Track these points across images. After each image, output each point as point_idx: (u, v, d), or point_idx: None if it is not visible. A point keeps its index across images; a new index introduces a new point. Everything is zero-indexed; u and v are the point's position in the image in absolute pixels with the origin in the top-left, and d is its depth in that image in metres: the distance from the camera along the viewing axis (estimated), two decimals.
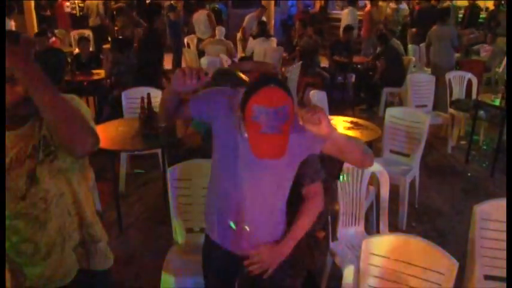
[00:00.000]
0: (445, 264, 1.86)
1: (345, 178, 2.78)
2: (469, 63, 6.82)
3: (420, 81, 5.70)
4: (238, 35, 9.11)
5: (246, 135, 1.66)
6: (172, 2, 9.02)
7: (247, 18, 9.13)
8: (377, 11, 9.15)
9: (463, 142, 5.75)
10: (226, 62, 6.97)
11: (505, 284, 2.34)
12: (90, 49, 6.96)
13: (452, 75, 5.79)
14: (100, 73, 6.13)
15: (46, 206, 1.51)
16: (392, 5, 9.63)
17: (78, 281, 1.66)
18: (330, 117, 3.96)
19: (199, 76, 1.58)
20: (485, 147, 5.72)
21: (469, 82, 5.81)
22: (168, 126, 3.68)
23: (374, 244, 2.00)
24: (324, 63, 8.24)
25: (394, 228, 3.52)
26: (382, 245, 1.99)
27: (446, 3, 9.41)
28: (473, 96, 5.73)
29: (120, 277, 3.13)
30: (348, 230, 2.85)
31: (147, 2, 10.27)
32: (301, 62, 6.81)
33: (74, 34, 9.00)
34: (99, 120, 5.65)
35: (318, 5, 11.02)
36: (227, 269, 1.98)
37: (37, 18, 10.30)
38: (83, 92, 6.13)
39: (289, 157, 1.65)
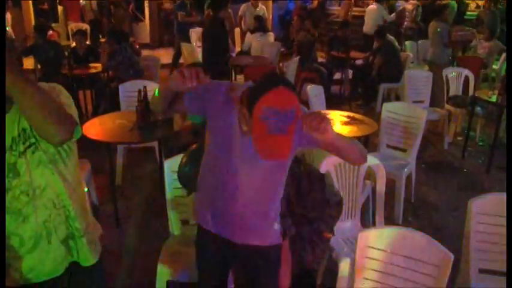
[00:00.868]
0: (440, 257, 1.87)
1: None
2: (466, 60, 6.83)
3: (417, 77, 5.70)
4: (236, 29, 9.08)
5: (244, 128, 1.67)
6: None
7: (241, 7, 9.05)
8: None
9: (459, 138, 5.77)
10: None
11: (499, 278, 2.37)
12: (87, 43, 6.95)
13: (449, 72, 5.80)
14: (97, 66, 6.12)
15: (28, 199, 1.50)
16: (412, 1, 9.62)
17: (71, 274, 1.66)
18: (327, 111, 3.99)
19: (199, 77, 1.56)
20: (481, 144, 5.74)
21: (466, 79, 5.82)
22: (165, 119, 3.68)
23: (370, 237, 2.01)
24: (322, 58, 8.23)
25: (390, 222, 3.53)
26: (378, 238, 2.00)
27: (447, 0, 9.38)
28: (470, 92, 5.74)
29: (117, 269, 3.14)
30: (344, 224, 2.86)
31: None
32: (298, 57, 6.80)
33: (72, 28, 8.96)
34: (96, 113, 5.65)
35: (316, 1, 11.01)
36: (220, 258, 2.00)
37: (34, 11, 10.27)
38: (80, 86, 6.13)
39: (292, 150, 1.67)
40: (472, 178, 4.81)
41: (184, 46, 7.82)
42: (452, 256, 1.85)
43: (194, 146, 2.10)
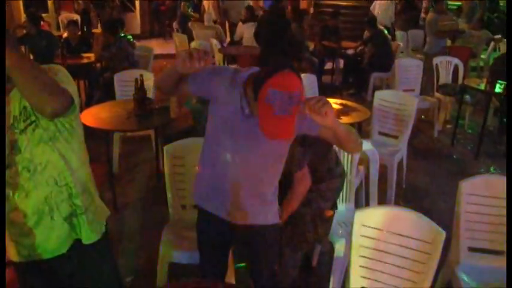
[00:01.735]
0: (433, 234, 1.96)
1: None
2: (455, 49, 6.94)
3: (408, 66, 5.80)
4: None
5: (247, 112, 1.73)
6: None
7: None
8: None
9: (448, 126, 5.89)
10: (216, 45, 6.99)
11: (487, 256, 2.48)
12: (79, 33, 6.93)
13: (439, 60, 5.90)
14: (90, 57, 6.12)
15: (30, 175, 1.56)
16: None
17: (74, 252, 1.71)
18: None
19: (205, 58, 1.61)
20: (470, 131, 5.87)
21: (456, 68, 5.93)
22: (162, 106, 3.74)
23: (365, 216, 2.09)
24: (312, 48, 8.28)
25: None
26: (373, 217, 2.08)
27: None
28: (460, 81, 5.86)
29: (117, 255, 3.19)
30: (339, 207, 2.94)
31: None
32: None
33: (62, 18, 8.91)
34: (90, 103, 5.66)
35: None
36: (220, 238, 2.06)
37: (23, 1, 10.17)
38: (73, 76, 6.10)
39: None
40: (461, 164, 4.93)
41: (176, 36, 7.84)
42: (444, 233, 1.94)
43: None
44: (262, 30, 5.91)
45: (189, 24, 8.27)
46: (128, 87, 4.34)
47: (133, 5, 11.71)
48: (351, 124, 3.58)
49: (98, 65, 6.26)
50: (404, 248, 2.03)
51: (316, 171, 2.28)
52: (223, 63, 6.97)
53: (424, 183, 4.43)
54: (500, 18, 10.81)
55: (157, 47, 8.97)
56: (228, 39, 8.72)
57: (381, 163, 3.11)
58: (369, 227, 2.08)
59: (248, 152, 1.82)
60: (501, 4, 11.34)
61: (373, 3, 9.17)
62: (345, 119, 3.66)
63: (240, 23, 8.38)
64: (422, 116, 6.02)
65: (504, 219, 2.41)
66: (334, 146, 2.40)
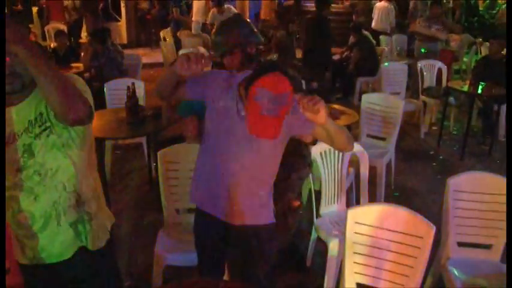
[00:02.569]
0: (423, 228, 2.04)
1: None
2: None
3: (393, 70, 5.93)
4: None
5: (243, 113, 1.79)
6: None
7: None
8: None
9: (434, 128, 6.01)
10: (204, 53, 7.05)
11: (477, 250, 2.57)
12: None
13: (423, 64, 6.04)
14: (79, 66, 6.13)
15: (40, 179, 1.59)
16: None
17: (78, 258, 1.73)
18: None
19: (202, 61, 1.68)
20: (455, 132, 6.00)
21: (439, 71, 6.07)
22: (154, 114, 3.77)
23: (358, 213, 2.16)
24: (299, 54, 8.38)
25: None
26: (366, 214, 2.16)
27: None
28: (444, 84, 5.99)
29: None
30: (331, 207, 3.02)
31: None
32: (277, 54, 6.93)
33: (49, 28, 8.90)
34: None
35: None
36: (218, 239, 2.09)
37: (9, 12, 10.12)
38: None
39: (281, 135, 1.79)
40: (447, 164, 5.05)
41: (163, 45, 7.89)
42: (434, 227, 2.02)
43: None
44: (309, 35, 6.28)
45: (178, 33, 8.32)
46: (118, 95, 4.37)
47: (119, 14, 11.72)
48: None
49: (87, 74, 6.27)
50: (397, 243, 2.10)
51: (290, 156, 2.26)
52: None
53: (412, 184, 4.53)
54: (480, 22, 11.09)
55: (144, 56, 8.98)
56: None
57: (370, 165, 3.18)
58: (362, 224, 2.15)
59: (244, 152, 1.87)
60: (481, 9, 11.63)
61: (374, 8, 9.28)
62: None
63: None
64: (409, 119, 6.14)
65: (491, 214, 2.51)
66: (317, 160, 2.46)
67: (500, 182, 2.46)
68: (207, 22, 9.25)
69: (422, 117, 5.86)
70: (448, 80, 6.01)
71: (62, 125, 1.56)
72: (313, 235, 3.00)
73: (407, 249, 2.08)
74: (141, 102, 4.16)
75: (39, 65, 1.37)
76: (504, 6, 10.58)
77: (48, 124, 1.57)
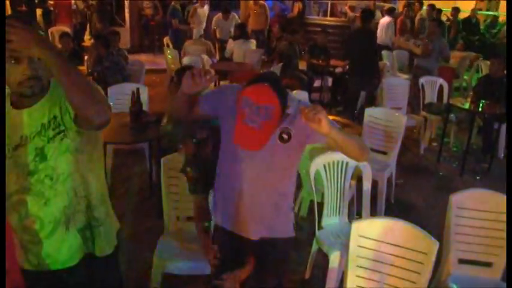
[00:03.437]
0: (427, 244, 2.05)
1: None
2: (439, 70, 7.13)
3: (395, 85, 5.96)
4: (218, 35, 9.30)
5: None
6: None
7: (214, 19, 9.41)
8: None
9: (434, 144, 6.04)
10: (207, 61, 7.08)
11: (478, 267, 2.57)
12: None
13: (424, 80, 6.08)
14: (83, 70, 6.14)
15: (52, 183, 1.58)
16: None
17: (84, 265, 1.71)
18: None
19: (207, 75, 1.70)
20: (455, 149, 6.02)
21: (441, 87, 6.11)
22: (157, 119, 3.78)
23: (363, 227, 2.17)
24: (302, 65, 8.43)
25: None
26: (370, 228, 2.16)
27: None
28: (445, 100, 6.03)
29: None
30: (333, 220, 3.02)
31: None
32: (281, 64, 6.98)
33: (53, 31, 8.92)
34: None
35: (295, 10, 11.25)
36: (235, 253, 2.03)
37: (12, 13, 10.16)
38: None
39: (293, 144, 1.80)
40: (446, 181, 5.06)
41: (167, 51, 7.92)
42: (437, 243, 2.03)
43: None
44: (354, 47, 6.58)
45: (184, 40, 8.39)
46: (121, 100, 4.38)
47: (123, 19, 11.76)
48: None
49: (90, 78, 6.28)
50: (400, 258, 2.10)
51: None
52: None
53: (411, 198, 4.54)
54: (481, 41, 11.19)
55: (147, 61, 8.99)
56: (217, 55, 8.84)
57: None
58: (366, 237, 2.15)
59: (258, 163, 1.86)
60: (481, 27, 11.74)
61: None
62: None
63: (231, 40, 8.51)
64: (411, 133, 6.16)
65: (493, 232, 2.51)
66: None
67: (503, 200, 2.47)
68: (212, 27, 9.36)
69: (423, 132, 5.88)
70: (449, 97, 6.05)
71: (76, 129, 1.56)
72: (314, 247, 2.99)
73: (410, 265, 2.08)
74: (144, 107, 4.16)
75: (64, 68, 1.39)
76: (505, 27, 10.72)
77: (62, 128, 1.56)
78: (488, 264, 2.58)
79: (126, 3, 11.52)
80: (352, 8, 11.70)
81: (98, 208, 1.71)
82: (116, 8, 11.51)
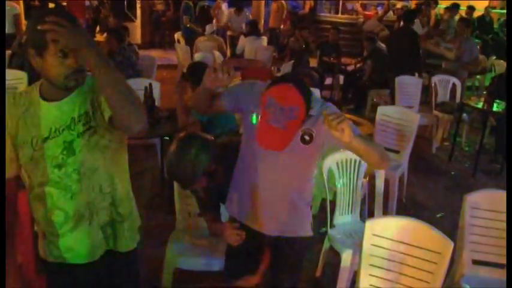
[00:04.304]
0: (442, 244, 2.03)
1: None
2: None
3: (407, 84, 5.91)
4: (229, 32, 9.29)
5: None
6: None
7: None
8: None
9: (446, 143, 5.99)
10: (218, 57, 7.08)
11: (491, 269, 2.55)
12: None
13: (437, 79, 6.03)
14: None
15: (79, 177, 1.58)
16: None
17: (103, 262, 1.72)
18: None
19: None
20: (467, 149, 5.98)
21: (454, 86, 6.06)
22: (169, 115, 3.79)
23: (376, 226, 2.15)
24: (313, 63, 8.40)
25: None
26: (384, 227, 2.15)
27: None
28: (457, 99, 5.98)
29: None
30: (345, 218, 3.01)
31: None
32: (292, 61, 6.96)
33: None
34: None
35: (307, 7, 11.23)
36: (250, 249, 2.05)
37: (25, 7, 10.22)
38: None
39: (314, 145, 1.79)
40: (459, 181, 5.03)
41: (178, 47, 7.94)
42: (452, 243, 2.01)
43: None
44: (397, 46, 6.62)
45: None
46: None
47: (135, 15, 11.81)
48: None
49: None
50: (414, 258, 2.09)
51: None
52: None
53: (423, 198, 4.51)
54: (495, 40, 11.05)
55: (158, 57, 9.03)
56: (228, 52, 8.85)
57: None
58: (380, 236, 2.14)
59: (279, 162, 1.86)
60: (495, 26, 11.61)
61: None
62: None
63: (242, 37, 8.51)
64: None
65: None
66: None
67: None
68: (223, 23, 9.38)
69: (435, 131, 5.84)
70: (462, 96, 6.00)
71: (106, 126, 1.56)
72: (326, 245, 2.99)
73: (424, 265, 2.07)
74: (156, 103, 4.17)
75: (109, 72, 1.40)
76: None
77: (93, 124, 1.57)
78: (501, 266, 2.55)
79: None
80: (363, 6, 11.65)
81: (122, 204, 1.72)
82: (128, 3, 11.56)
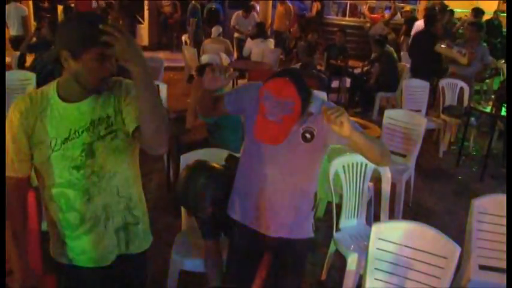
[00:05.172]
0: (449, 248, 2.01)
1: None
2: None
3: (415, 87, 5.89)
4: (236, 34, 9.32)
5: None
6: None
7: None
8: None
9: (453, 147, 5.96)
10: (225, 59, 7.10)
11: (498, 274, 2.52)
12: None
13: (445, 83, 6.00)
14: None
15: (97, 180, 1.58)
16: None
17: (115, 266, 1.72)
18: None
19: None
20: (474, 153, 5.94)
21: (461, 90, 6.02)
22: (177, 117, 3.80)
23: (383, 230, 2.14)
24: (320, 66, 8.39)
25: None
26: (390, 231, 2.14)
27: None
28: (465, 103, 5.94)
29: None
30: (351, 222, 3.00)
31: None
32: (300, 63, 6.95)
33: None
34: None
35: (314, 10, 11.22)
36: (250, 249, 2.05)
37: (34, 9, 10.30)
38: None
39: (316, 144, 1.79)
40: (466, 185, 4.99)
41: (185, 49, 7.96)
42: (459, 248, 2.00)
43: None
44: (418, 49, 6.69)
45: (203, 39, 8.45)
46: None
47: (142, 17, 11.87)
48: None
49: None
50: (420, 262, 2.08)
51: None
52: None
53: (430, 203, 4.49)
54: (503, 43, 10.98)
55: (165, 59, 9.06)
56: (235, 54, 8.87)
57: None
58: (386, 240, 2.13)
59: (280, 161, 1.86)
60: (503, 30, 11.53)
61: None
62: None
63: (249, 39, 8.52)
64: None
65: None
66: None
67: None
68: (231, 24, 9.42)
69: (442, 135, 5.81)
70: (470, 101, 5.96)
71: (125, 130, 1.57)
72: (331, 248, 2.98)
73: (430, 269, 2.05)
74: (164, 104, 4.18)
75: (151, 87, 1.41)
76: None
77: (114, 128, 1.57)
78: None
79: (146, 1, 11.62)
80: (370, 9, 11.63)
81: (137, 207, 1.73)
82: (136, 5, 11.61)
